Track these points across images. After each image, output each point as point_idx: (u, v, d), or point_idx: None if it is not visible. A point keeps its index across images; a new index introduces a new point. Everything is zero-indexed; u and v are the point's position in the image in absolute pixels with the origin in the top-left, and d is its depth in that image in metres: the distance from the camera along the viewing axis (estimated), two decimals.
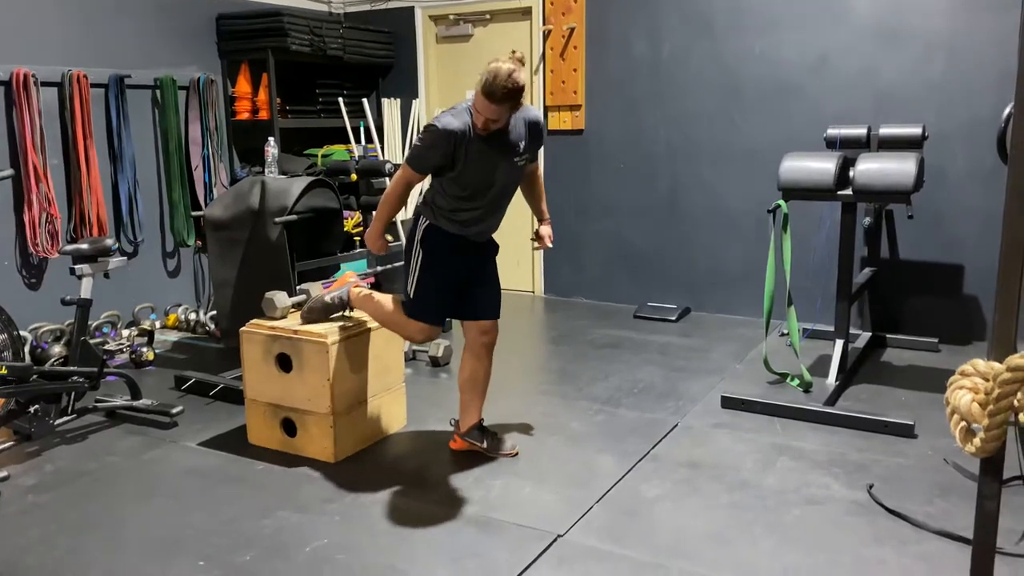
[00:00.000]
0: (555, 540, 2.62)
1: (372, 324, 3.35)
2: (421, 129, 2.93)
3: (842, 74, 4.88)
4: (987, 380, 1.42)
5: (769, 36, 5.05)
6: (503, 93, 2.72)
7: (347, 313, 3.40)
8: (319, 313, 3.33)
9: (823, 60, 4.91)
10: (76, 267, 3.56)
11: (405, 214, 6.12)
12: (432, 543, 2.62)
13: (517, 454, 3.26)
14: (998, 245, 1.45)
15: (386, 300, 3.26)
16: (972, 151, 4.57)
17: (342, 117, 5.97)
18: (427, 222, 3.05)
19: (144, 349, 4.52)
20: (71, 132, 4.68)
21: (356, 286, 3.37)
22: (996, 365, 1.39)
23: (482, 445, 3.24)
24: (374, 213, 3.20)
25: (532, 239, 3.40)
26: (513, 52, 2.83)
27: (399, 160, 6.22)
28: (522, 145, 2.99)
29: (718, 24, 5.18)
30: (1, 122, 4.43)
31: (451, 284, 3.10)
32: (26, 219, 4.49)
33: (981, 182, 4.58)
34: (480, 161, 2.89)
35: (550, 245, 3.36)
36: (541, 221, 3.37)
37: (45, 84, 4.55)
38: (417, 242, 3.06)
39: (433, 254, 3.05)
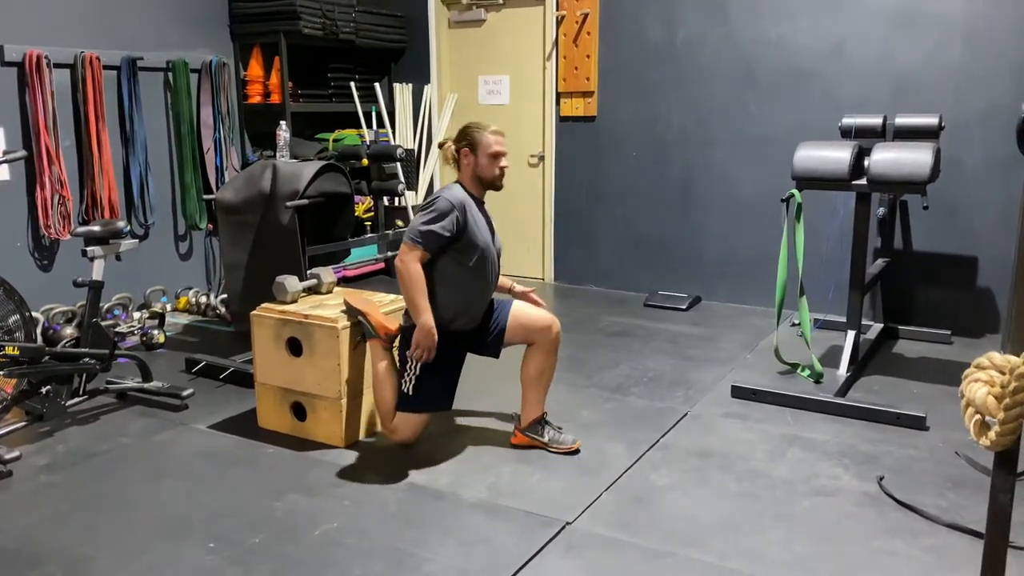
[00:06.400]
0: (564, 527, 2.62)
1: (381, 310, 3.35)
2: (423, 209, 2.99)
3: (858, 60, 4.82)
4: (1003, 374, 1.41)
5: (784, 22, 5.00)
6: (492, 127, 3.08)
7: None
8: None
9: (839, 46, 4.86)
10: (88, 249, 3.56)
11: (416, 199, 6.13)
12: (441, 528, 2.63)
13: (579, 449, 3.19)
14: (1014, 236, 1.43)
15: (390, 385, 3.15)
16: (989, 139, 4.52)
17: (354, 102, 5.96)
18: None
19: (155, 332, 4.54)
20: (83, 114, 4.69)
21: (384, 331, 3.17)
22: (1013, 359, 1.38)
23: (543, 440, 3.19)
24: (412, 314, 3.01)
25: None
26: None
27: (410, 145, 6.21)
28: (493, 224, 3.21)
29: (733, 9, 5.14)
30: (14, 103, 4.44)
31: (455, 366, 3.18)
32: (38, 200, 4.50)
33: (998, 172, 4.52)
34: (476, 224, 3.06)
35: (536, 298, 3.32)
36: (515, 293, 3.32)
37: (58, 66, 4.56)
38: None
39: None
